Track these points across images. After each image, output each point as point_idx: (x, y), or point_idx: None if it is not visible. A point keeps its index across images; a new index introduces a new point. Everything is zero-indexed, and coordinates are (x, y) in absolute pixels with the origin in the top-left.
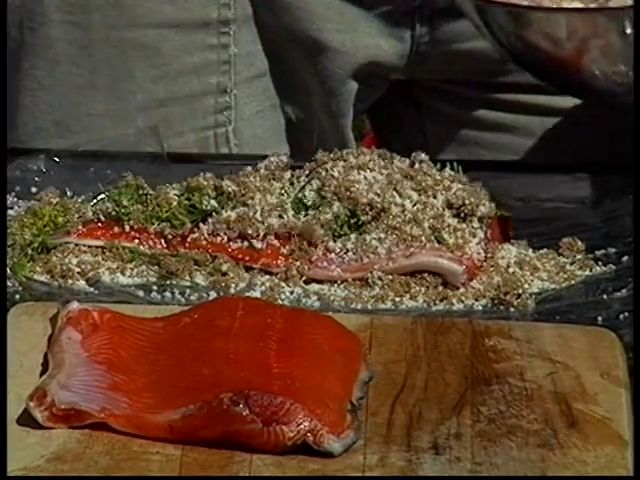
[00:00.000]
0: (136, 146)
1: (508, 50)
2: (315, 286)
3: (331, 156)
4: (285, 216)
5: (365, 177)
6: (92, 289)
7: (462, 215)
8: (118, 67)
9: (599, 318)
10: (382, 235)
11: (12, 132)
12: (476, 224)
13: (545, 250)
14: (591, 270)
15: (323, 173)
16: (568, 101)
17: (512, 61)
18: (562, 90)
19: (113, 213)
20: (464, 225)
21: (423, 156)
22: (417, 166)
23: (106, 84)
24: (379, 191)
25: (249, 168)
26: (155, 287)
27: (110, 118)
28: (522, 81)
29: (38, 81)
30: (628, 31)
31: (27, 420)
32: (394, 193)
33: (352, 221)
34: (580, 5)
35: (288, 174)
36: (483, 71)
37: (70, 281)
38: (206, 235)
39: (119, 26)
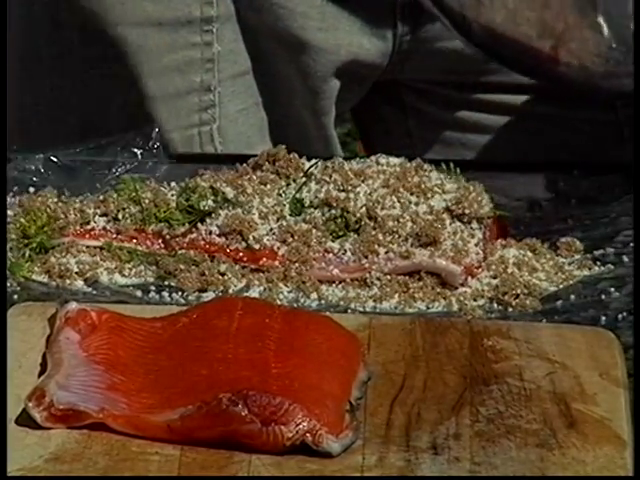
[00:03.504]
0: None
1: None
2: (314, 286)
3: (327, 164)
4: (283, 217)
5: (362, 185)
6: (90, 289)
7: (461, 218)
8: (101, 66)
9: (598, 318)
10: (380, 236)
11: None
12: (475, 225)
13: (543, 250)
14: (590, 270)
15: (318, 176)
16: (552, 102)
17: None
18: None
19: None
20: (463, 226)
21: (419, 160)
22: (414, 168)
23: (89, 83)
24: (379, 199)
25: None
26: (153, 287)
27: (93, 117)
28: (506, 81)
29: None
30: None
31: (26, 420)
32: (393, 198)
33: (350, 222)
34: None
35: (285, 175)
36: (467, 70)
37: (68, 281)
38: (204, 235)
39: (102, 25)
